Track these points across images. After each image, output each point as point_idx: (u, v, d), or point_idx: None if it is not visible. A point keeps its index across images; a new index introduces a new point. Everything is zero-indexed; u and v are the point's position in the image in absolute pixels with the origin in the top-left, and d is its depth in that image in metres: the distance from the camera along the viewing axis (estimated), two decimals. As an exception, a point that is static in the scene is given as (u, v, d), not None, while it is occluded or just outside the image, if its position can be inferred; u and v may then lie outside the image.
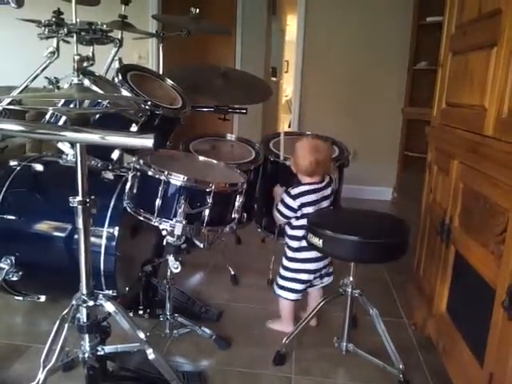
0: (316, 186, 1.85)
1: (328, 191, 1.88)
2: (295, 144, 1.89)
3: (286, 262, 1.91)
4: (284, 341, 1.75)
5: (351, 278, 1.70)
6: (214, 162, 1.91)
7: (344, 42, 4.10)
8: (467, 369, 1.39)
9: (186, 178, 1.53)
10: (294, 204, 1.83)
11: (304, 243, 1.79)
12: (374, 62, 4.06)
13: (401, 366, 1.61)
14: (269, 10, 5.21)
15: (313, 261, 1.85)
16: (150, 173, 1.56)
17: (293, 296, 1.89)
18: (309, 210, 1.83)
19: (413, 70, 3.94)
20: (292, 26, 6.57)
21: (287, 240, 1.92)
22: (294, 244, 1.88)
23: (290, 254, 1.90)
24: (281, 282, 1.91)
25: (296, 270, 1.88)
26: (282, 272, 1.91)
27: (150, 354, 1.39)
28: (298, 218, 1.86)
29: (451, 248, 1.62)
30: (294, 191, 1.84)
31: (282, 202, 1.85)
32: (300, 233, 1.83)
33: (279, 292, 1.91)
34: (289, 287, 1.89)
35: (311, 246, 1.63)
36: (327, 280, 1.95)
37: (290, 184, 2.00)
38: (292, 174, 1.94)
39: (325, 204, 1.88)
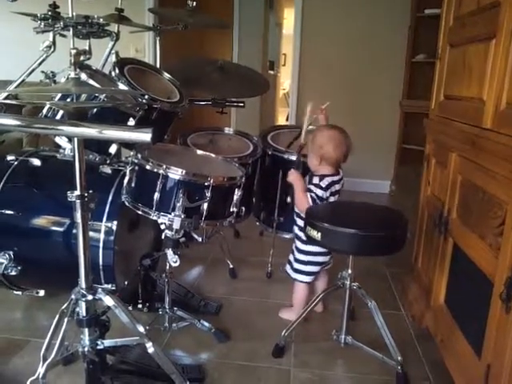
0: (338, 177, 1.87)
1: (341, 183, 1.91)
2: (320, 134, 1.87)
3: (302, 246, 1.92)
4: (283, 333, 1.75)
5: (350, 271, 1.71)
6: (212, 155, 1.91)
7: (342, 35, 4.09)
8: (465, 360, 1.40)
9: (184, 171, 1.53)
10: (325, 194, 1.83)
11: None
12: (371, 55, 4.05)
13: (399, 358, 1.61)
14: (266, 3, 5.19)
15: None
16: (148, 167, 1.56)
17: (309, 278, 1.94)
18: (331, 199, 1.87)
19: (411, 62, 3.93)
20: (289, 19, 6.53)
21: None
22: None
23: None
24: (298, 265, 1.93)
25: (314, 253, 1.90)
26: (299, 256, 1.93)
27: (150, 348, 1.39)
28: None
29: (449, 240, 1.62)
30: (324, 183, 1.83)
31: (314, 194, 1.82)
32: None
33: (296, 276, 1.95)
34: (307, 271, 1.92)
35: (309, 239, 1.63)
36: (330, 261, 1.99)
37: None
38: (290, 168, 1.94)
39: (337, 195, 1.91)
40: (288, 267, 1.99)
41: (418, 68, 3.90)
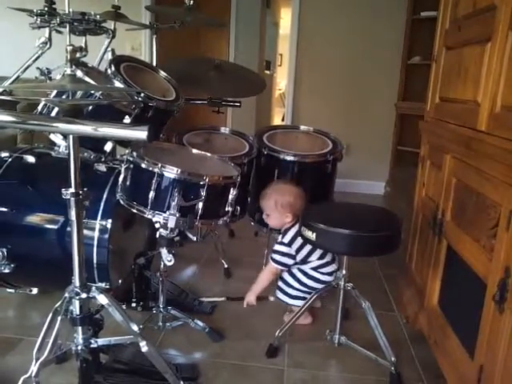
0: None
1: None
2: (280, 194, 1.88)
3: (304, 279, 1.88)
4: (277, 333, 1.75)
5: (344, 271, 1.71)
6: (208, 154, 1.91)
7: (338, 36, 4.10)
8: (458, 361, 1.41)
9: (179, 170, 1.52)
10: (291, 251, 1.84)
11: (317, 271, 1.85)
12: (367, 57, 4.07)
13: (392, 359, 1.62)
14: (263, 2, 5.19)
15: (327, 275, 1.86)
16: (143, 165, 1.55)
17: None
18: (305, 251, 1.83)
19: (406, 64, 3.96)
20: (286, 19, 6.54)
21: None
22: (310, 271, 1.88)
23: (310, 272, 1.88)
24: (295, 293, 1.90)
25: (313, 287, 1.86)
26: (297, 285, 1.89)
27: (144, 347, 1.39)
28: (303, 263, 1.87)
29: (443, 242, 1.63)
30: (287, 238, 1.85)
31: (278, 252, 1.85)
32: (315, 264, 1.86)
33: (292, 302, 1.91)
34: (306, 296, 1.87)
35: (304, 239, 1.64)
36: None
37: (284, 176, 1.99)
38: (286, 168, 1.94)
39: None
40: (280, 294, 1.93)
41: (413, 70, 3.92)
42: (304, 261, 1.86)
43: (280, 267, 1.88)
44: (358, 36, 4.05)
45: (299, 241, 1.82)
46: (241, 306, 2.08)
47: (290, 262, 1.86)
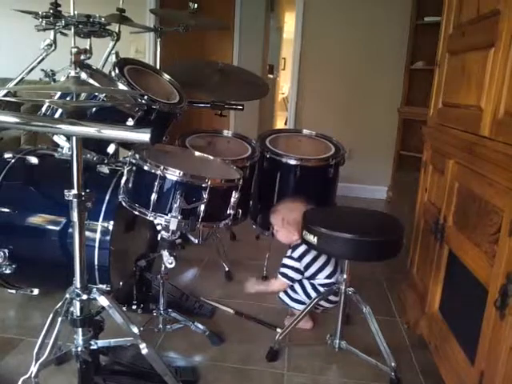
0: None
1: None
2: (288, 212, 1.88)
3: (310, 290, 1.88)
4: (277, 337, 1.75)
5: (345, 276, 1.71)
6: (210, 157, 1.91)
7: (341, 40, 4.10)
8: (458, 367, 1.40)
9: (181, 173, 1.52)
10: (300, 266, 1.85)
11: (324, 288, 1.85)
12: (371, 61, 4.07)
13: (393, 364, 1.61)
14: (267, 7, 5.21)
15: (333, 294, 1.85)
16: (145, 167, 1.55)
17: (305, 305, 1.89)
18: (313, 269, 1.85)
19: (410, 69, 3.95)
20: (290, 23, 6.56)
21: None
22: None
23: (318, 287, 1.88)
24: (295, 296, 1.91)
25: (311, 296, 1.87)
26: (301, 292, 1.89)
27: (143, 349, 1.39)
28: (309, 279, 1.88)
29: (445, 247, 1.63)
30: (297, 253, 1.86)
31: (286, 266, 1.87)
32: (322, 282, 1.86)
33: (293, 305, 1.92)
34: (306, 301, 1.87)
35: (306, 244, 1.64)
36: None
37: (287, 184, 1.98)
38: (288, 172, 1.94)
39: (323, 258, 1.87)
40: (282, 295, 1.94)
41: (416, 75, 3.92)
42: (312, 278, 1.87)
43: (287, 281, 1.89)
44: (361, 41, 4.05)
45: (309, 257, 1.85)
46: (242, 309, 2.09)
47: (297, 276, 1.88)
